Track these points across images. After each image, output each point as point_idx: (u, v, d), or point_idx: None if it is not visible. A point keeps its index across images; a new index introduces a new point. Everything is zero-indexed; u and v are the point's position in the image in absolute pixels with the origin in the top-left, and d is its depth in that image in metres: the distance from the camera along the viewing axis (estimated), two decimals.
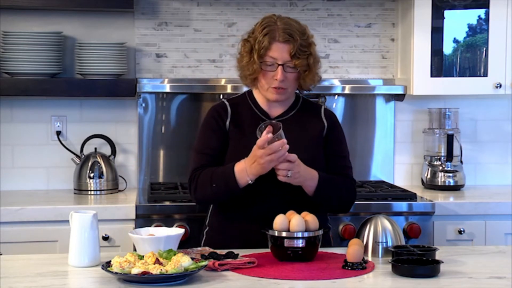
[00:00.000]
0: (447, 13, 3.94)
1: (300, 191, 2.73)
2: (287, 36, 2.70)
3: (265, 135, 2.55)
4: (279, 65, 2.71)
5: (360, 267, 2.37)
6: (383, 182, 4.08)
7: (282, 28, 2.72)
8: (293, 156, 2.62)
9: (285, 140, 2.56)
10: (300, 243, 2.46)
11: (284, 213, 2.55)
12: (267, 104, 2.85)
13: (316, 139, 2.84)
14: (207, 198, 2.80)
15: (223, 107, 2.86)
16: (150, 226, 3.16)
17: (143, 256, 2.30)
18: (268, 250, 2.53)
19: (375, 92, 4.12)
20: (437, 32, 3.92)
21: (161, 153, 4.05)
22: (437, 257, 2.42)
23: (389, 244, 2.55)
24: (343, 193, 2.83)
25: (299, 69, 2.74)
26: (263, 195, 2.73)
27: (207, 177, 2.73)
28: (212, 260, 2.40)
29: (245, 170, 2.64)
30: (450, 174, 4.03)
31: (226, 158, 2.79)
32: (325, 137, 2.87)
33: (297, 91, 2.92)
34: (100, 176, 3.86)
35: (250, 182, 2.65)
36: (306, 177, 2.69)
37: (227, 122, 2.82)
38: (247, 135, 2.78)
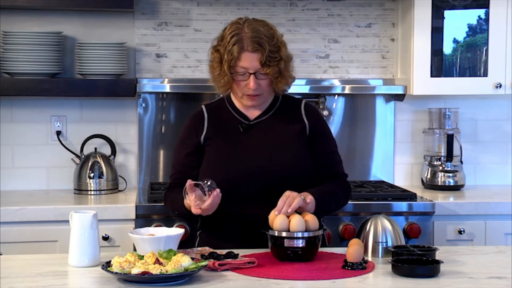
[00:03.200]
0: (447, 13, 3.94)
1: (279, 194, 2.71)
2: (255, 45, 2.67)
3: (194, 207, 2.55)
4: (250, 74, 2.70)
5: (360, 267, 2.37)
6: (383, 182, 4.08)
7: (250, 36, 2.67)
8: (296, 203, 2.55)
9: (216, 192, 2.53)
10: (300, 243, 2.46)
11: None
12: (245, 107, 2.83)
13: (298, 137, 2.81)
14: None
15: (200, 116, 2.85)
16: (150, 226, 3.17)
17: (143, 256, 2.30)
18: (268, 250, 2.53)
19: (375, 92, 4.12)
20: (437, 32, 3.92)
21: (161, 153, 4.05)
22: (437, 257, 2.42)
23: (389, 244, 2.55)
24: (339, 199, 2.84)
25: (271, 76, 2.72)
26: (253, 199, 2.72)
27: (170, 203, 2.83)
28: (212, 260, 2.40)
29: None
30: (450, 174, 4.03)
31: (206, 164, 2.79)
32: (309, 134, 2.82)
33: None
34: (100, 176, 3.86)
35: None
36: (307, 204, 2.62)
37: (203, 134, 2.81)
38: (226, 141, 2.79)
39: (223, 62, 2.71)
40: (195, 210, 2.56)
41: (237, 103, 2.85)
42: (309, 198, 2.59)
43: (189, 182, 2.54)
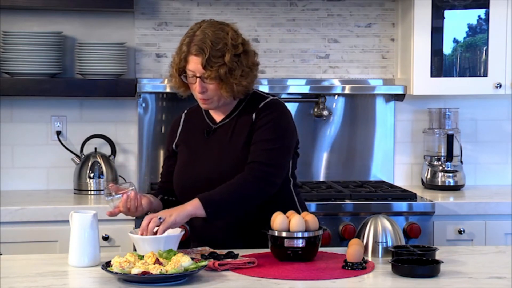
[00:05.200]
0: (447, 13, 3.94)
1: (276, 195, 2.69)
2: (198, 49, 2.67)
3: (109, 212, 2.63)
4: (197, 77, 2.70)
5: (360, 267, 2.37)
6: (383, 182, 4.08)
7: (197, 40, 2.68)
8: (142, 226, 2.51)
9: (125, 196, 2.61)
10: (300, 243, 2.46)
11: (262, 216, 2.56)
12: (213, 110, 2.82)
13: (246, 138, 2.73)
14: None
15: (176, 122, 2.92)
16: None
17: (143, 256, 2.30)
18: (268, 250, 2.53)
19: (375, 92, 4.12)
20: (437, 32, 3.92)
21: (161, 153, 4.05)
22: (437, 257, 2.42)
23: (389, 244, 2.55)
24: (239, 197, 2.64)
25: (214, 81, 2.68)
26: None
27: None
28: (212, 260, 2.40)
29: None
30: (450, 174, 4.03)
31: (174, 171, 2.84)
32: (253, 131, 2.73)
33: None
34: (100, 176, 3.86)
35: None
36: (185, 211, 2.55)
37: (176, 139, 2.87)
38: (191, 145, 2.81)
39: (173, 64, 2.76)
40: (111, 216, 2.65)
41: None
42: (165, 214, 2.51)
43: (111, 185, 2.64)
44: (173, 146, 2.88)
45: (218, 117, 2.82)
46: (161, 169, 4.02)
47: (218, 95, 2.72)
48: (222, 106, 2.77)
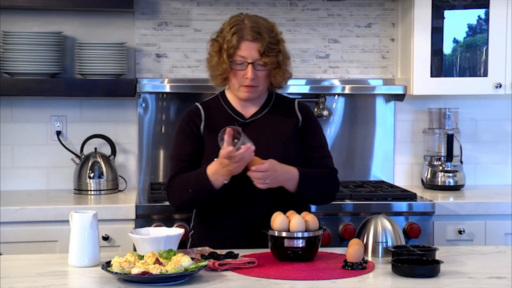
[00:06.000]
0: (447, 13, 3.94)
1: (282, 193, 2.72)
2: (255, 34, 2.69)
3: (228, 147, 2.54)
4: (249, 63, 2.71)
5: (360, 267, 2.37)
6: (383, 182, 4.08)
7: (250, 26, 2.71)
8: (265, 167, 2.60)
9: (249, 145, 2.56)
10: (300, 243, 2.46)
11: (268, 215, 2.56)
12: (240, 104, 2.84)
13: (291, 133, 2.82)
14: (186, 204, 2.81)
15: (196, 112, 2.86)
16: (150, 226, 3.16)
17: (143, 256, 2.30)
18: (268, 250, 2.53)
19: (375, 92, 4.12)
20: (437, 32, 3.92)
21: (161, 153, 4.05)
22: (437, 257, 2.42)
23: (389, 244, 2.55)
24: (324, 186, 2.82)
25: (269, 67, 2.74)
26: (244, 199, 2.73)
27: (182, 184, 2.75)
28: (212, 260, 2.40)
29: (218, 172, 2.64)
30: (450, 174, 4.03)
31: (202, 162, 2.78)
32: (300, 130, 2.84)
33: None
34: (100, 176, 3.86)
35: (225, 182, 2.66)
36: (286, 177, 2.69)
37: (201, 127, 2.82)
38: None
39: (222, 51, 2.73)
40: (225, 155, 2.54)
41: (232, 100, 2.86)
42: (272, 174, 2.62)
43: (228, 128, 2.55)
44: (201, 131, 2.80)
45: (248, 111, 2.84)
46: (161, 169, 4.06)
47: (264, 83, 2.78)
48: (258, 97, 2.81)
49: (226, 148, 2.55)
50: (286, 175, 2.69)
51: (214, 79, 2.83)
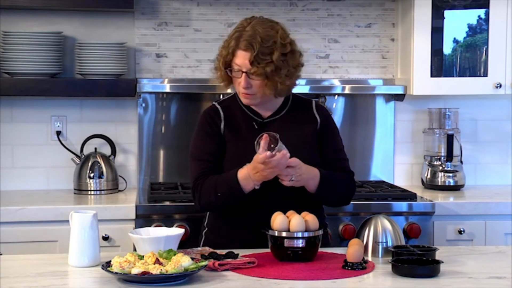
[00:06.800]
0: (447, 13, 3.94)
1: (298, 193, 2.73)
2: (247, 44, 2.69)
3: (264, 152, 2.54)
4: (243, 72, 2.72)
5: (360, 267, 2.37)
6: (383, 182, 4.08)
7: (247, 35, 2.71)
8: (295, 161, 2.63)
9: (285, 152, 2.57)
10: (300, 243, 2.46)
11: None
12: (257, 105, 2.84)
13: (310, 136, 2.84)
14: (212, 206, 2.81)
15: (215, 111, 2.86)
16: (150, 226, 3.17)
17: (143, 256, 2.30)
18: (268, 250, 2.53)
19: (375, 92, 4.12)
20: (437, 32, 3.92)
21: (161, 153, 4.05)
22: (437, 257, 2.42)
23: (389, 244, 2.55)
24: (343, 188, 2.86)
25: (261, 77, 2.72)
26: (262, 200, 2.73)
27: (211, 186, 2.74)
28: (212, 260, 2.40)
29: (249, 177, 2.65)
30: (450, 174, 4.03)
31: (224, 162, 2.79)
32: (319, 132, 2.87)
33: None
34: (100, 176, 3.86)
35: (256, 187, 2.68)
36: (309, 176, 2.71)
37: (222, 126, 2.82)
38: (243, 137, 2.79)
39: (219, 57, 2.77)
40: (261, 160, 2.55)
41: None
42: (296, 171, 2.65)
43: (265, 134, 2.56)
44: (222, 127, 2.81)
45: (265, 112, 2.84)
46: (161, 169, 4.06)
47: (261, 92, 2.76)
48: (265, 102, 2.81)
49: (262, 153, 2.55)
50: (309, 174, 2.71)
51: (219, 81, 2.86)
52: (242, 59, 2.71)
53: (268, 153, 2.55)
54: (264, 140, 2.56)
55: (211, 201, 2.75)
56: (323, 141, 2.87)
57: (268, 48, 2.71)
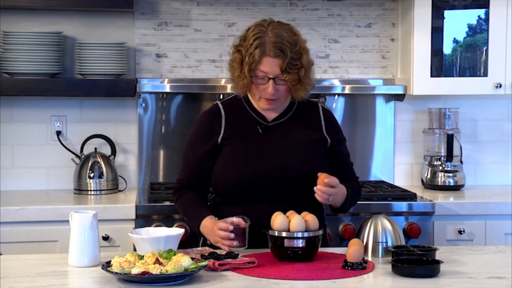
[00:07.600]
0: (447, 13, 3.94)
1: (298, 193, 2.72)
2: (277, 51, 2.64)
3: (226, 224, 2.54)
4: (269, 78, 2.68)
5: (360, 267, 2.37)
6: (383, 182, 4.08)
7: (273, 41, 2.65)
8: (335, 181, 2.63)
9: (231, 228, 2.54)
10: (300, 243, 2.46)
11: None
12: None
13: (315, 139, 2.83)
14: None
15: (216, 112, 2.83)
16: (150, 226, 3.16)
17: (143, 256, 2.30)
18: (268, 250, 2.53)
19: (375, 92, 4.12)
20: (437, 32, 3.92)
21: (161, 153, 4.05)
22: (437, 257, 2.42)
23: (389, 244, 2.55)
24: (358, 198, 2.92)
25: (290, 82, 2.71)
26: (262, 200, 2.72)
27: (182, 208, 2.84)
28: (212, 260, 2.40)
29: (208, 231, 2.64)
30: (450, 174, 4.03)
31: (220, 163, 2.77)
32: (326, 136, 2.86)
33: None
34: (100, 176, 3.86)
35: (208, 243, 2.69)
36: (341, 195, 2.73)
37: (222, 132, 2.79)
38: (243, 139, 2.78)
39: (244, 64, 2.68)
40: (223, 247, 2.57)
41: (255, 104, 2.83)
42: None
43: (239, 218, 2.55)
44: (219, 139, 2.78)
45: (270, 115, 2.82)
46: (161, 169, 4.06)
47: (285, 96, 2.76)
48: (279, 106, 2.80)
49: (225, 223, 2.55)
50: (341, 193, 2.73)
51: (236, 89, 2.80)
52: (270, 66, 2.65)
53: (231, 227, 2.53)
54: (235, 219, 2.55)
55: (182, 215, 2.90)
56: (331, 146, 2.85)
57: (296, 53, 2.68)
